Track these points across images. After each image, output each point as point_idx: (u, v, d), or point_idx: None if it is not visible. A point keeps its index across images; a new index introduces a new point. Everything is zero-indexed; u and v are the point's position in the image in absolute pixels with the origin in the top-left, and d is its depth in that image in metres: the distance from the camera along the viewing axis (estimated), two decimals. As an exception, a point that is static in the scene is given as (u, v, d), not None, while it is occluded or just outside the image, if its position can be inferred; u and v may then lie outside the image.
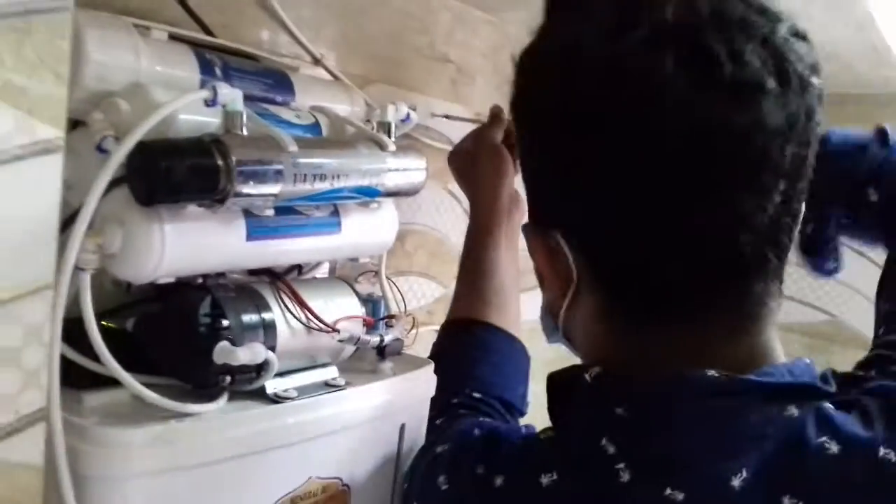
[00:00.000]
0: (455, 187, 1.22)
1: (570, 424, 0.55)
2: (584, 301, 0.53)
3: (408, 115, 0.82)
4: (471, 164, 0.98)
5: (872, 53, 1.23)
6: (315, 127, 0.78)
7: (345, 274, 0.92)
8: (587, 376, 0.52)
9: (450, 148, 1.18)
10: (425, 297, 1.21)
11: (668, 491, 0.46)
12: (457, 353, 0.88)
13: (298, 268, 0.86)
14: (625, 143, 0.45)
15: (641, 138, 0.45)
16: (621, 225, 0.48)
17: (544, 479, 0.51)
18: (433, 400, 0.84)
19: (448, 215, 1.22)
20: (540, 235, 0.53)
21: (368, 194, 0.77)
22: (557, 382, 0.57)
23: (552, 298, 0.56)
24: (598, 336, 0.54)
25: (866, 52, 1.23)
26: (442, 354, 0.89)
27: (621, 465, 0.48)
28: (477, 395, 0.82)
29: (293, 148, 0.66)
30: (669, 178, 0.45)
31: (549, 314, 0.58)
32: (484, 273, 0.91)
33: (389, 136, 0.79)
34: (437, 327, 1.22)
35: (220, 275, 0.73)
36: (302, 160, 0.68)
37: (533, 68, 0.52)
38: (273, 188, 0.65)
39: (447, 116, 1.07)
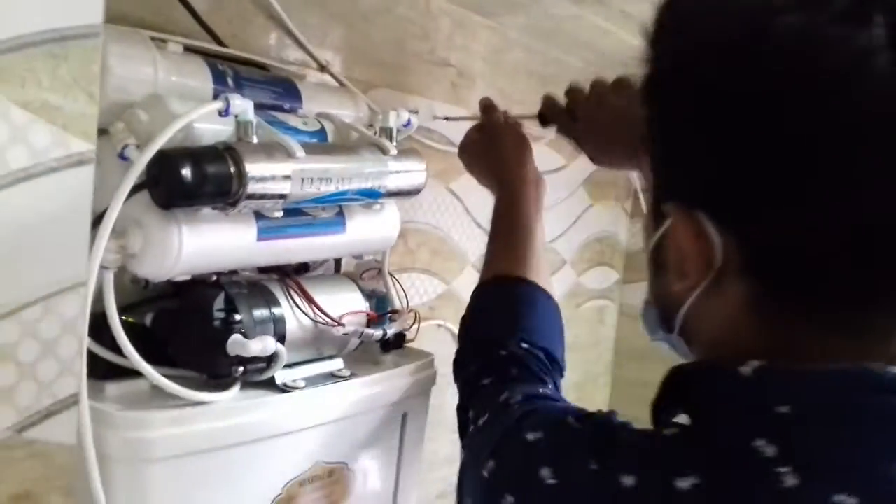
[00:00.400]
0: (457, 186, 1.27)
1: (712, 423, 0.48)
2: (726, 290, 0.47)
3: (409, 120, 0.87)
4: (488, 146, 0.97)
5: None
6: (321, 133, 0.82)
7: (350, 271, 0.96)
8: (744, 370, 0.46)
9: (450, 149, 1.23)
10: (427, 294, 1.25)
11: (841, 496, 0.42)
12: (502, 305, 0.82)
13: (306, 265, 0.90)
14: (818, 122, 0.42)
15: (837, 118, 0.41)
16: (799, 207, 0.43)
17: (681, 483, 0.44)
18: (468, 353, 0.81)
19: (449, 214, 1.27)
20: (684, 215, 0.47)
21: (371, 196, 0.81)
22: (686, 375, 0.51)
23: (679, 287, 0.49)
24: (744, 328, 0.48)
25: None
26: (483, 308, 0.84)
27: (784, 469, 0.43)
28: (525, 345, 0.76)
29: (300, 154, 0.71)
30: (863, 165, 0.41)
31: (664, 305, 0.53)
32: (520, 235, 0.87)
33: (391, 141, 0.83)
34: (440, 322, 1.28)
35: (233, 272, 0.78)
36: (309, 165, 0.72)
37: (698, 40, 0.46)
38: (282, 193, 0.70)
39: (447, 118, 1.11)
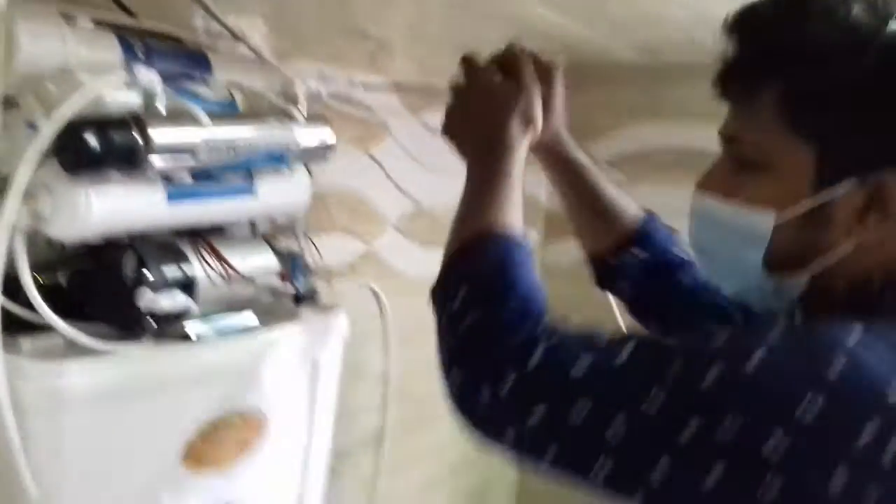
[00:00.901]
0: (377, 152, 1.33)
1: None
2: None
3: (317, 89, 0.92)
4: (459, 121, 0.82)
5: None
6: (230, 102, 0.87)
7: (267, 233, 1.02)
8: None
9: (368, 116, 1.29)
10: (348, 253, 1.32)
11: None
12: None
13: (222, 228, 0.96)
14: None
15: None
16: None
17: None
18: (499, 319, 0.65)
19: (369, 178, 1.33)
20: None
21: (279, 161, 0.87)
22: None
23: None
24: None
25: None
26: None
27: None
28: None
29: (206, 122, 0.77)
30: None
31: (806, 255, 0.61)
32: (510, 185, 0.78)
33: (299, 109, 0.89)
34: (361, 281, 1.34)
35: (145, 234, 0.83)
36: (215, 133, 0.78)
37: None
38: (187, 159, 0.76)
39: (365, 86, 1.16)
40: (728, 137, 0.65)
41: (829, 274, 0.61)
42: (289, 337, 0.93)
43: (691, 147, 1.72)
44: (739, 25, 0.61)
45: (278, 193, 0.91)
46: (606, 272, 0.94)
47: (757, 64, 0.61)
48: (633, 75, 1.79)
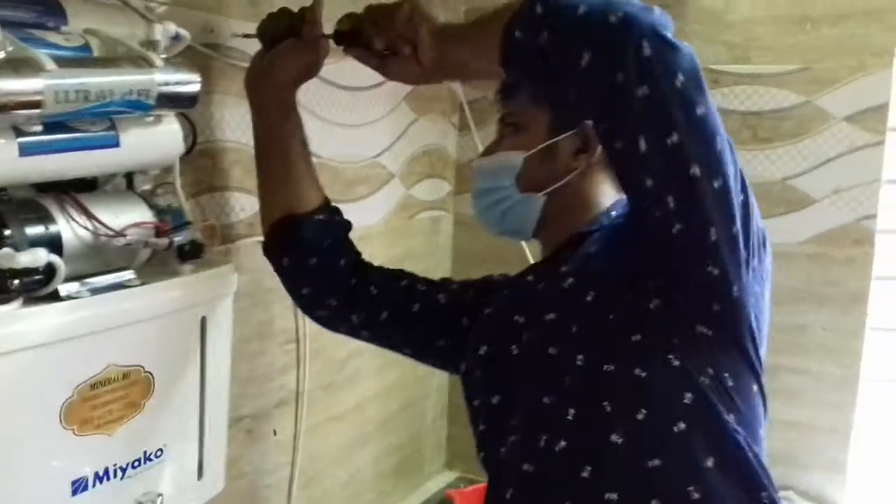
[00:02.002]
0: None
1: None
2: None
3: (177, 34, 0.89)
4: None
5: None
6: (85, 48, 0.84)
7: (145, 188, 0.99)
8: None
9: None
10: (244, 211, 1.28)
11: None
12: None
13: (93, 183, 0.92)
14: None
15: None
16: None
17: None
18: None
19: (260, 131, 1.29)
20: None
21: (140, 108, 0.84)
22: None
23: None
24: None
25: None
26: None
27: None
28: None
29: (51, 67, 0.73)
30: None
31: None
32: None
33: (159, 54, 0.86)
34: (260, 238, 1.31)
35: (3, 190, 0.80)
36: (63, 80, 0.74)
37: None
38: (32, 107, 0.72)
39: (246, 35, 1.12)
40: (502, 118, 1.02)
41: (562, 195, 0.96)
42: (170, 293, 0.91)
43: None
44: None
45: (145, 143, 0.88)
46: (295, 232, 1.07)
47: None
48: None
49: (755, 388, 0.85)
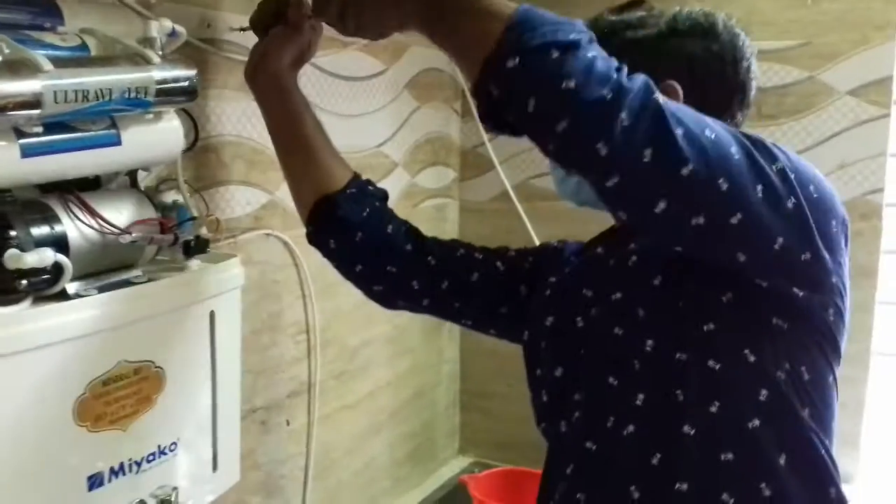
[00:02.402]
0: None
1: None
2: None
3: (173, 30, 0.89)
4: None
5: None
6: (82, 48, 0.84)
7: (149, 185, 1.00)
8: None
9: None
10: (250, 204, 1.29)
11: None
12: None
13: (97, 182, 0.93)
14: None
15: None
16: None
17: None
18: None
19: (262, 124, 1.29)
20: None
21: (139, 105, 0.84)
22: None
23: None
24: None
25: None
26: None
27: None
28: None
29: (49, 68, 0.73)
30: None
31: None
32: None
33: (156, 51, 0.86)
34: (266, 231, 1.32)
35: (6, 192, 0.80)
36: (61, 80, 0.75)
37: None
38: (32, 108, 0.72)
39: (242, 29, 1.13)
40: None
41: None
42: (177, 288, 0.92)
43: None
44: (588, 25, 0.80)
45: (146, 140, 0.88)
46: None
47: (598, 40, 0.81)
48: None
49: (831, 379, 0.84)
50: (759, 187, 0.71)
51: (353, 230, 1.05)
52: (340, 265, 1.10)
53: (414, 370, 1.83)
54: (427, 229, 1.81)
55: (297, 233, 1.38)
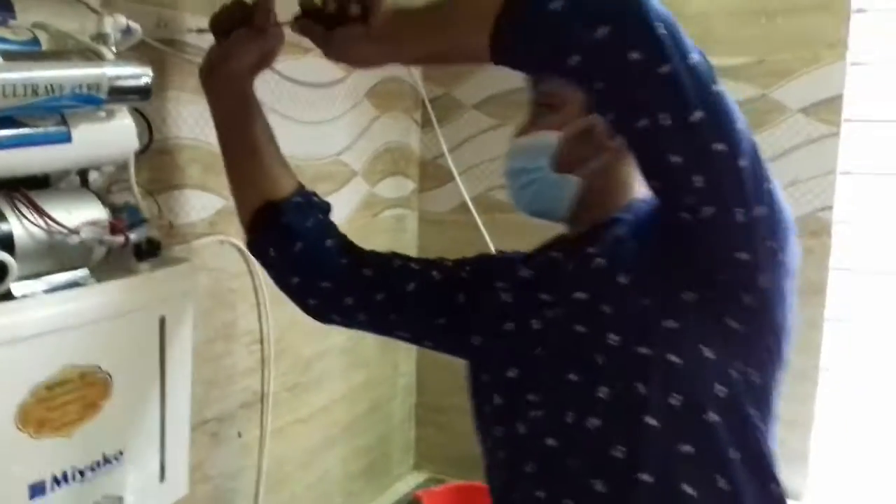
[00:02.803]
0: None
1: None
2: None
3: (128, 27, 0.87)
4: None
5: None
6: (33, 42, 0.82)
7: (99, 185, 0.97)
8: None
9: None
10: (205, 209, 1.26)
11: None
12: None
13: (46, 181, 0.90)
14: None
15: None
16: None
17: None
18: None
19: (219, 129, 1.28)
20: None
21: (90, 102, 0.82)
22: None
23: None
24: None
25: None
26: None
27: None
28: None
29: (-4, 60, 0.71)
30: None
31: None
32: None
33: (109, 47, 0.84)
34: (221, 237, 1.30)
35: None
36: (9, 74, 0.73)
37: None
38: (-22, 99, 0.70)
39: (200, 31, 1.11)
40: (536, 98, 0.98)
41: (597, 176, 0.94)
42: (126, 292, 0.89)
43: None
44: None
45: (98, 139, 0.86)
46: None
47: None
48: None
49: (775, 385, 0.86)
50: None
51: (294, 239, 1.04)
52: (278, 276, 1.09)
53: (369, 383, 1.81)
54: (386, 240, 1.81)
55: (253, 240, 1.37)
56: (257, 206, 1.04)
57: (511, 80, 1.77)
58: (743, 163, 0.76)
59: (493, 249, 1.76)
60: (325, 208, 1.10)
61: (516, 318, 0.95)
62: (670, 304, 0.83)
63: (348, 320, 1.11)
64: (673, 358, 0.81)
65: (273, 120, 1.38)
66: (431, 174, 1.89)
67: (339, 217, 1.60)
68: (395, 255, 1.11)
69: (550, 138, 0.94)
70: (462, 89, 1.83)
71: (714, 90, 0.75)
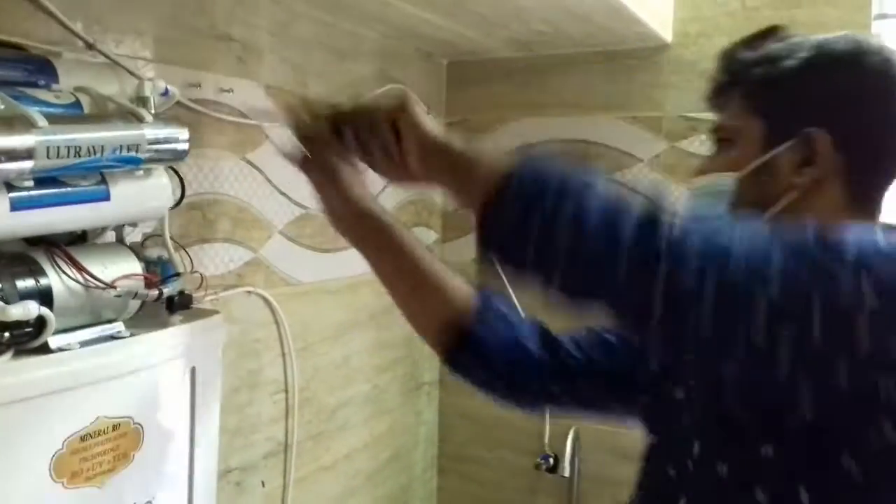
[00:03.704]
0: (254, 157, 1.32)
1: None
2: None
3: (166, 90, 0.91)
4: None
5: (614, 13, 1.40)
6: (75, 105, 0.86)
7: (135, 241, 1.00)
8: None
9: (242, 121, 1.28)
10: (233, 262, 1.30)
11: None
12: None
13: (84, 236, 0.94)
14: None
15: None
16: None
17: None
18: None
19: (248, 183, 1.31)
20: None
21: (130, 163, 0.85)
22: None
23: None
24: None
25: (609, 12, 1.40)
26: None
27: None
28: None
29: (42, 124, 0.75)
30: None
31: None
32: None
33: (148, 109, 0.88)
34: (249, 288, 1.33)
35: (-6, 246, 0.81)
36: (54, 136, 0.76)
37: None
38: (24, 162, 0.74)
39: (233, 91, 1.15)
40: (713, 130, 0.86)
41: (787, 216, 0.78)
42: (160, 344, 0.92)
43: (572, 137, 1.77)
44: (718, 59, 0.85)
45: (135, 196, 0.89)
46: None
47: (728, 78, 0.84)
48: (510, 70, 1.83)
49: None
50: None
51: (490, 352, 0.95)
52: (483, 386, 1.01)
53: (392, 432, 1.81)
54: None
55: (279, 291, 1.40)
56: (440, 328, 0.96)
57: (532, 134, 1.82)
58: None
59: (514, 298, 1.78)
60: (507, 302, 0.99)
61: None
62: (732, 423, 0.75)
63: (559, 407, 1.04)
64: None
65: (300, 174, 1.43)
66: (453, 225, 1.92)
67: (364, 268, 1.62)
68: (582, 330, 1.01)
69: (725, 182, 0.82)
70: (483, 140, 1.87)
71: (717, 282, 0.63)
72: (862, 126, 0.77)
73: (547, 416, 1.83)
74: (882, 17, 1.56)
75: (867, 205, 0.78)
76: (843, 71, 0.78)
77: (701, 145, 1.60)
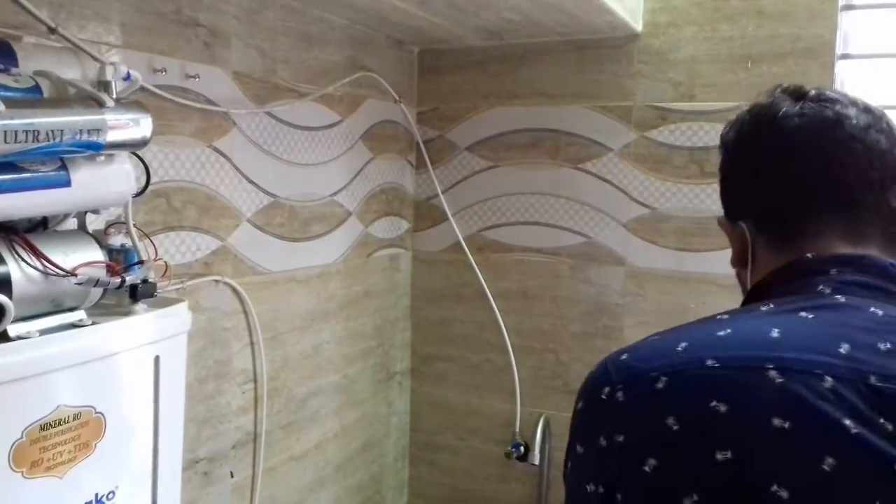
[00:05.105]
0: (221, 144, 1.31)
1: None
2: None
3: (128, 74, 0.90)
4: None
5: (584, 2, 1.40)
6: (35, 89, 0.84)
7: (97, 228, 0.99)
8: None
9: (209, 107, 1.26)
10: (200, 250, 1.28)
11: None
12: None
13: (45, 223, 0.92)
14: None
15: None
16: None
17: None
18: None
19: (215, 171, 1.30)
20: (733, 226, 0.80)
21: (91, 148, 0.84)
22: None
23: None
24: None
25: (579, 1, 1.40)
26: None
27: None
28: None
29: (0, 108, 0.73)
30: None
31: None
32: None
33: (110, 94, 0.86)
34: (216, 277, 1.31)
35: (-51, 231, 0.79)
36: (11, 120, 0.75)
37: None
38: (-20, 145, 0.72)
39: (200, 77, 1.14)
40: None
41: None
42: (122, 332, 0.90)
43: (543, 126, 1.77)
44: None
45: (97, 183, 0.88)
46: None
47: None
48: (482, 59, 1.82)
49: None
50: None
51: None
52: None
53: (363, 421, 1.81)
54: (380, 279, 1.82)
55: (247, 280, 1.39)
56: None
57: (503, 123, 1.82)
58: None
59: (486, 288, 1.78)
60: None
61: None
62: None
63: None
64: None
65: (269, 162, 1.42)
66: (425, 214, 1.92)
67: (334, 257, 1.63)
68: None
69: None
70: (455, 132, 1.87)
71: None
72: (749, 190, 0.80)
73: (518, 404, 1.84)
74: (849, 7, 1.57)
75: (795, 240, 0.75)
76: (730, 154, 0.82)
77: (670, 135, 1.61)
